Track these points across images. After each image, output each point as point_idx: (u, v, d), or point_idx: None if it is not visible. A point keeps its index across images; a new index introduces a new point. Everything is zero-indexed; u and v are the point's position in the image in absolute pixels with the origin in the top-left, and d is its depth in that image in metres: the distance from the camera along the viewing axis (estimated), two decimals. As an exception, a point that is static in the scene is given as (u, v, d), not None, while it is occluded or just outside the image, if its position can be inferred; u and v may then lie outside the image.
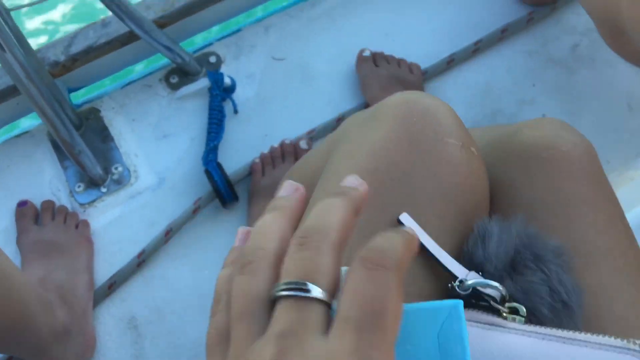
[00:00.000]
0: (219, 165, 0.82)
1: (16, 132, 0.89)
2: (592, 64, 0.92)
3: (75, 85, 0.90)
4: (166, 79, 0.92)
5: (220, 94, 0.88)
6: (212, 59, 0.93)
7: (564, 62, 0.93)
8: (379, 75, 0.87)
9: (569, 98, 0.91)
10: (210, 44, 0.95)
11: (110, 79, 0.95)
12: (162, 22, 0.82)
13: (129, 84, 0.92)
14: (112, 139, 0.88)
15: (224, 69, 0.92)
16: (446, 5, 0.95)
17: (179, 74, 0.92)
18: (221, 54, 0.93)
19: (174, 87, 0.91)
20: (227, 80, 0.89)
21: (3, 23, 0.65)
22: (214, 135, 0.85)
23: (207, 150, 0.84)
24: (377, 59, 0.90)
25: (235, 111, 0.89)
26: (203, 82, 0.89)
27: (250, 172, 0.85)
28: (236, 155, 0.87)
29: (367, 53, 0.90)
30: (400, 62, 0.90)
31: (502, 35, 0.91)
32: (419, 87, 0.88)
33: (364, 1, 0.96)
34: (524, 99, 0.90)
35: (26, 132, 0.88)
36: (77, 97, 0.93)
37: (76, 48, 0.79)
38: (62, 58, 0.79)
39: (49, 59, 0.79)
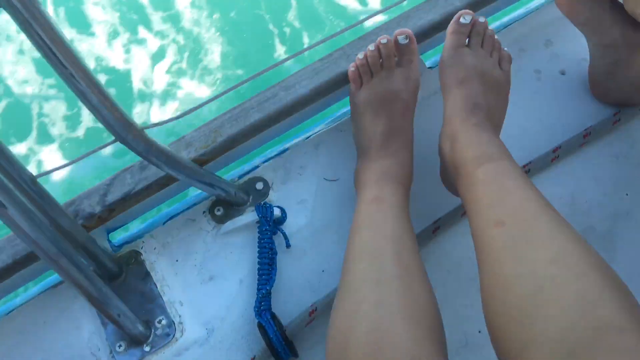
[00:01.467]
0: (274, 317, 0.72)
1: (52, 280, 0.82)
2: (694, 164, 0.80)
3: (114, 226, 0.83)
4: (210, 211, 0.84)
5: (270, 229, 0.79)
6: (259, 186, 0.84)
7: (660, 164, 0.80)
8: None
9: (671, 207, 0.78)
10: (256, 167, 0.87)
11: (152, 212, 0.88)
12: (204, 160, 0.74)
13: (171, 217, 0.85)
14: (155, 286, 0.79)
15: (272, 196, 0.84)
16: (515, 109, 0.85)
17: (224, 205, 0.83)
18: (268, 178, 0.85)
19: (220, 220, 0.83)
20: (276, 212, 0.80)
21: (27, 189, 0.58)
22: (265, 279, 0.76)
23: (259, 299, 0.74)
24: None
25: (288, 245, 0.80)
26: (250, 217, 0.81)
27: (306, 317, 0.74)
28: (292, 299, 0.77)
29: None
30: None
31: (585, 140, 0.80)
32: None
33: (421, 106, 0.85)
34: (618, 212, 0.78)
35: (62, 282, 0.81)
36: (116, 235, 0.86)
37: (113, 196, 0.72)
38: (97, 209, 0.72)
39: (83, 212, 0.71)
